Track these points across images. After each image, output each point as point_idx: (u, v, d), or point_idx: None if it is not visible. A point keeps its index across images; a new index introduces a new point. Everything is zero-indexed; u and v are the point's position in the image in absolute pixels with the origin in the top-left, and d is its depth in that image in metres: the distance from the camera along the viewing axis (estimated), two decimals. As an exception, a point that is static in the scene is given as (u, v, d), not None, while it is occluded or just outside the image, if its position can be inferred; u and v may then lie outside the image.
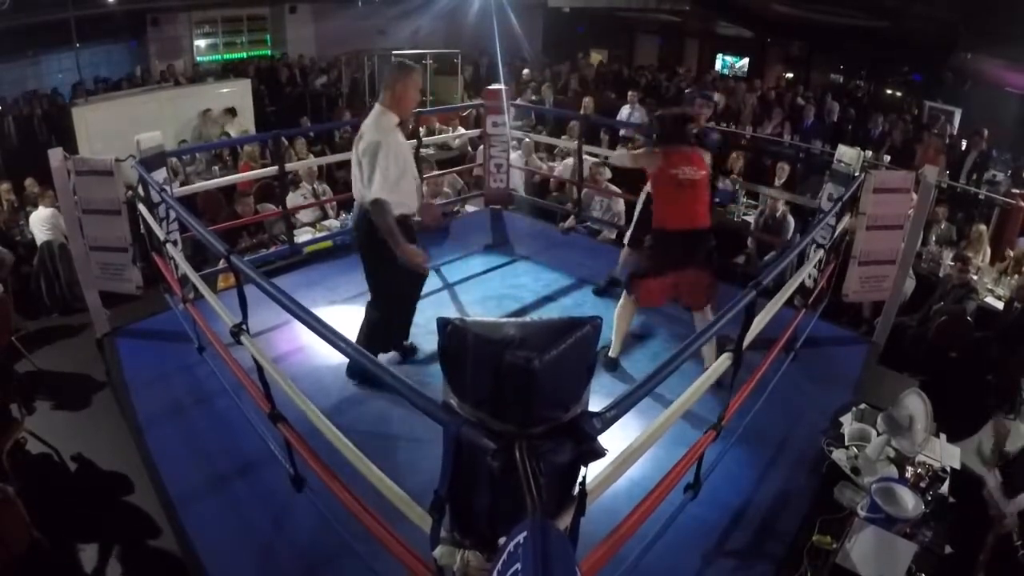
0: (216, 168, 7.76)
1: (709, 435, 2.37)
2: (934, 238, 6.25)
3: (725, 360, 2.32)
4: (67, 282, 5.36)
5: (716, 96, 4.18)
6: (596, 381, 1.71)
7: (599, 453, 1.46)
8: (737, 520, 2.81)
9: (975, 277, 5.39)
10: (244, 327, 2.48)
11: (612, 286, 4.59)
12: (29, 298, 5.38)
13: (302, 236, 5.40)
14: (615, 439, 1.66)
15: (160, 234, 3.76)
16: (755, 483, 3.02)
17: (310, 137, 8.56)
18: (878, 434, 3.10)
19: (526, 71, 11.37)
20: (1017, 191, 6.73)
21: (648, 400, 1.73)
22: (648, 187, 4.07)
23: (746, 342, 2.33)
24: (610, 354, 3.76)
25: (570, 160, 6.29)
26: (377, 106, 3.15)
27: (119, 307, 4.26)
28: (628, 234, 4.37)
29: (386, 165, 3.00)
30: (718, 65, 13.90)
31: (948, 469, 3.02)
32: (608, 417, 1.52)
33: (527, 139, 6.93)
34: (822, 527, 2.66)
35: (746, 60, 13.54)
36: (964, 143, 8.32)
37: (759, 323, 2.42)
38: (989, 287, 5.51)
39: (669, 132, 3.43)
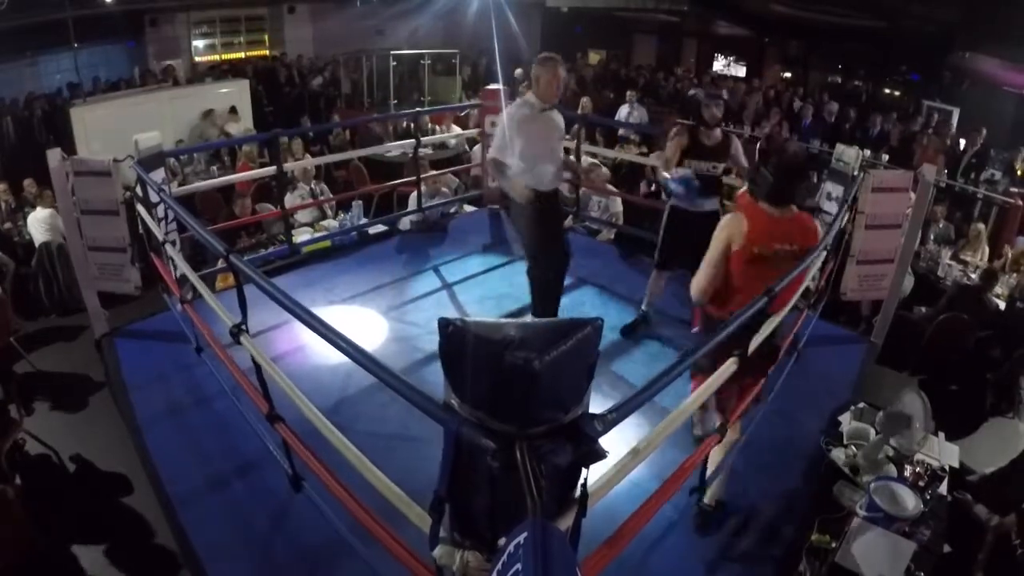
0: (215, 168, 7.75)
1: (713, 438, 2.36)
2: (932, 237, 6.26)
3: (731, 364, 2.31)
4: (66, 283, 5.35)
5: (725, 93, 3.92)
6: (598, 383, 1.71)
7: (600, 455, 1.46)
8: (736, 519, 2.81)
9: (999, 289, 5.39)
10: (243, 327, 2.48)
11: (644, 323, 4.24)
12: (28, 299, 5.38)
13: (300, 236, 5.40)
14: (618, 442, 1.66)
15: (158, 234, 3.75)
16: (754, 482, 3.03)
17: (309, 138, 8.56)
18: (877, 433, 3.10)
19: (518, 71, 11.35)
20: (1015, 190, 6.75)
21: (651, 403, 1.72)
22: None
23: (752, 346, 2.32)
24: None
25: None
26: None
27: (118, 307, 4.26)
28: (657, 256, 4.08)
29: (500, 134, 3.59)
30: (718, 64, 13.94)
31: (947, 468, 3.03)
32: (609, 419, 1.51)
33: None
34: (821, 526, 2.66)
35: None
36: (962, 142, 8.34)
37: (765, 328, 2.41)
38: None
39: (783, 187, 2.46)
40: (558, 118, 3.70)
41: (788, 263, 2.43)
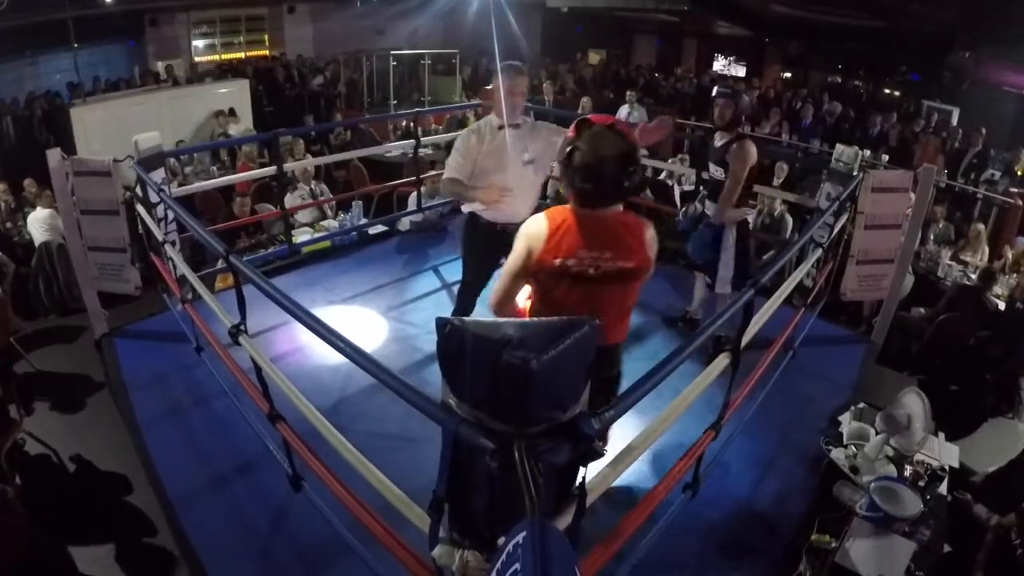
0: (215, 168, 7.76)
1: (708, 435, 2.37)
2: (932, 237, 6.26)
3: (724, 359, 2.32)
4: (65, 283, 5.35)
5: (745, 96, 3.71)
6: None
7: (597, 453, 1.46)
8: (736, 519, 2.81)
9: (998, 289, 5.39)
10: (242, 327, 2.48)
11: (687, 324, 4.17)
12: (27, 299, 5.37)
13: (300, 236, 5.40)
14: (614, 439, 1.66)
15: (158, 234, 3.76)
16: (754, 482, 3.03)
17: (311, 137, 8.56)
18: (877, 433, 3.10)
19: None
20: (1015, 190, 6.75)
21: (647, 400, 1.72)
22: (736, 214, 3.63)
23: (744, 341, 2.33)
24: None
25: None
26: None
27: (117, 308, 4.25)
28: (723, 276, 3.73)
29: (454, 154, 3.05)
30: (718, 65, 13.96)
31: (947, 467, 3.03)
32: (607, 417, 1.52)
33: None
34: (821, 526, 2.66)
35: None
36: (961, 142, 8.34)
37: (757, 322, 2.42)
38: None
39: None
40: (525, 138, 3.02)
41: (613, 284, 2.00)
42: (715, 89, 3.78)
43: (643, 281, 2.09)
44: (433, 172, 6.30)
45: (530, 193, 3.15)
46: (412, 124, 5.82)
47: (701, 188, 4.10)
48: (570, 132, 1.95)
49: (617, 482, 1.74)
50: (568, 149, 1.91)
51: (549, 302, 2.04)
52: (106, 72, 10.66)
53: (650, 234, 2.04)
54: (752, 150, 3.53)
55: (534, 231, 1.98)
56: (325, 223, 5.87)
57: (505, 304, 2.09)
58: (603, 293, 2.02)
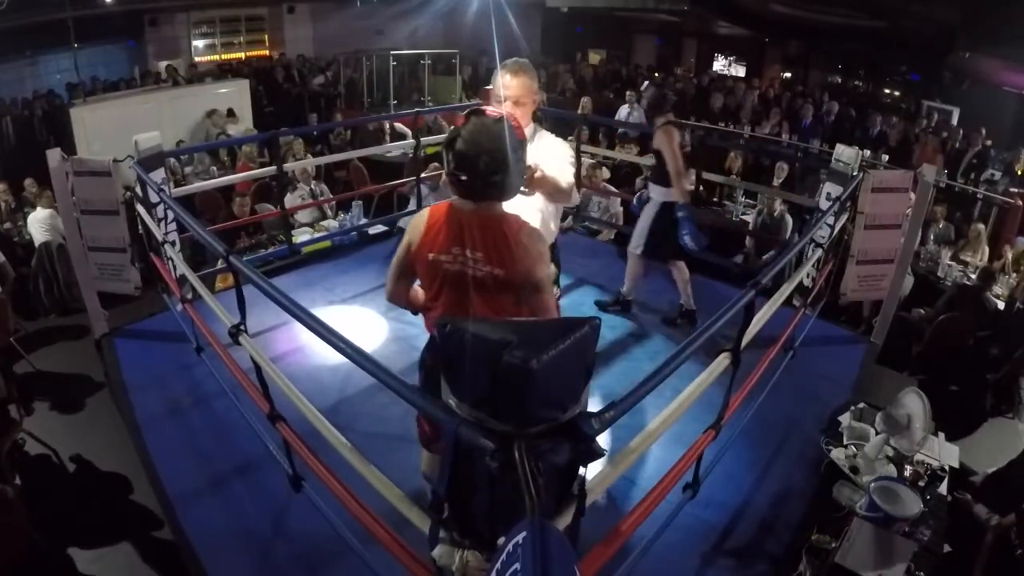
0: (215, 168, 7.75)
1: (708, 435, 2.37)
2: (932, 237, 6.26)
3: (724, 360, 2.32)
4: (65, 283, 5.36)
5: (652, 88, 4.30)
6: (596, 381, 1.71)
7: (597, 454, 1.46)
8: (736, 519, 2.81)
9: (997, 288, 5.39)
10: (242, 327, 2.48)
11: (619, 306, 4.38)
12: (27, 299, 5.38)
13: (300, 236, 5.40)
14: (614, 439, 1.66)
15: (158, 234, 3.76)
16: (754, 482, 3.03)
17: (314, 136, 8.55)
18: (877, 433, 3.10)
19: None
20: (1015, 190, 6.75)
21: (647, 400, 1.72)
22: (660, 196, 3.98)
23: (744, 341, 2.33)
24: None
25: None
26: None
27: (117, 307, 4.26)
28: (641, 243, 4.13)
29: None
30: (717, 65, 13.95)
31: (947, 468, 3.03)
32: (607, 418, 1.52)
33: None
34: (821, 526, 2.66)
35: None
36: (961, 142, 8.34)
37: (757, 322, 2.42)
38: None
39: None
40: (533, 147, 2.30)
41: (489, 291, 1.83)
42: None
43: (528, 298, 1.86)
44: (437, 171, 6.30)
45: (524, 213, 2.13)
46: (392, 126, 5.78)
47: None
48: (458, 120, 1.84)
49: (617, 482, 1.73)
50: (451, 136, 1.82)
51: (429, 300, 2.01)
52: (106, 72, 10.65)
53: (525, 239, 1.83)
54: (672, 131, 3.92)
55: (415, 223, 1.95)
56: (325, 223, 5.88)
57: (393, 295, 2.16)
58: (479, 301, 1.85)
